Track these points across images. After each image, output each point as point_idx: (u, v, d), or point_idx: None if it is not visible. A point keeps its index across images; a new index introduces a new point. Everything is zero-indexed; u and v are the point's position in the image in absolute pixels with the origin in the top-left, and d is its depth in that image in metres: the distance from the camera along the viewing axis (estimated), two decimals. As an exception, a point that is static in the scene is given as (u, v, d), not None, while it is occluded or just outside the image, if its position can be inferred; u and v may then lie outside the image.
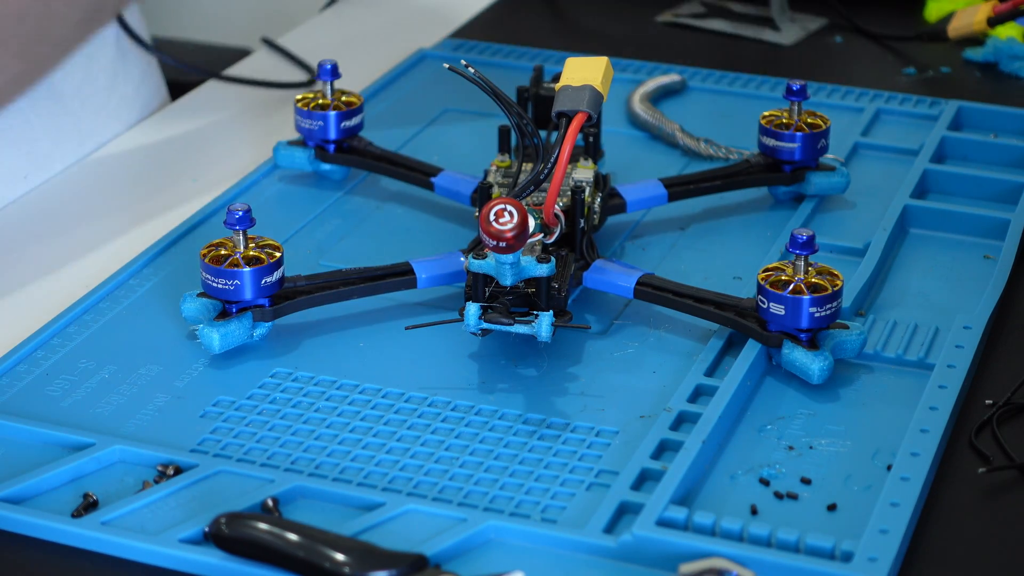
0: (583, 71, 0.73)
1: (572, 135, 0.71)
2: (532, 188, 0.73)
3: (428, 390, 0.73)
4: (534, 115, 0.89)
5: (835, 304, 0.73)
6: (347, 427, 0.70)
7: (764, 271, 0.74)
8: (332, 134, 0.90)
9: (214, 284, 0.75)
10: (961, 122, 1.00)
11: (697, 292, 0.77)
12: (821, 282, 0.73)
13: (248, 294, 0.75)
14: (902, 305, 0.80)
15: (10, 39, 0.65)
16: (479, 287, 0.73)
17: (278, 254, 0.76)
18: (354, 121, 0.91)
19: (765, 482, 0.67)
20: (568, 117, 0.72)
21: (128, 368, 0.75)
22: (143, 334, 0.77)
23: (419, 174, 0.89)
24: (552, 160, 0.71)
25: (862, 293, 0.80)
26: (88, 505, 0.65)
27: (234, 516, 0.62)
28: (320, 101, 0.90)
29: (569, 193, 0.79)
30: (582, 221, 0.79)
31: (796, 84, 0.87)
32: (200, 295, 0.76)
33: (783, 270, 0.74)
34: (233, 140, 0.99)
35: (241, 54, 1.34)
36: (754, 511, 0.65)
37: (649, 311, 0.79)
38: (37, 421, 0.70)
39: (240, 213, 0.75)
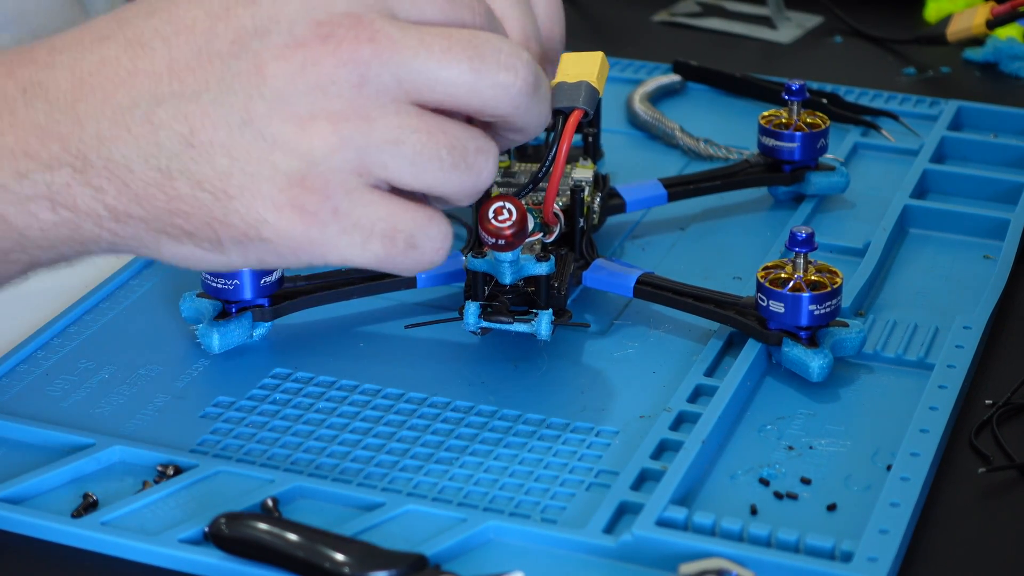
0: (578, 67, 0.73)
1: (569, 132, 0.71)
2: (531, 187, 0.73)
3: (427, 390, 0.73)
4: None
5: (834, 302, 0.73)
6: (347, 427, 0.70)
7: (763, 269, 0.74)
8: (332, 134, 0.90)
9: (214, 284, 0.75)
10: (961, 122, 1.00)
11: (697, 291, 0.77)
12: (820, 280, 0.73)
13: (248, 294, 0.75)
14: (902, 305, 0.80)
15: None
16: (478, 286, 0.73)
17: (278, 254, 0.76)
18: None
19: (765, 482, 0.67)
20: (564, 114, 0.72)
21: (128, 368, 0.75)
22: (143, 334, 0.77)
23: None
24: (550, 158, 0.71)
25: (862, 293, 0.80)
26: (88, 505, 0.65)
27: (234, 516, 0.62)
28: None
29: (568, 192, 0.79)
30: (581, 220, 0.79)
31: (795, 84, 0.87)
32: (200, 295, 0.76)
33: (783, 268, 0.74)
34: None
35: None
36: (754, 511, 0.65)
37: (649, 310, 0.79)
38: (37, 421, 0.70)
39: (240, 213, 0.75)
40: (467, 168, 0.62)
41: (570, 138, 0.71)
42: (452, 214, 0.83)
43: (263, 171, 0.60)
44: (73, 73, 0.62)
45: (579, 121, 0.71)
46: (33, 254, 0.63)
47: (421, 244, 0.62)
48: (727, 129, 0.99)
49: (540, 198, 0.79)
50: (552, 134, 0.72)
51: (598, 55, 0.74)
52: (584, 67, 0.73)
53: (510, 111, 0.63)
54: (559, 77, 0.73)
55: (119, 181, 0.61)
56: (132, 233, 0.62)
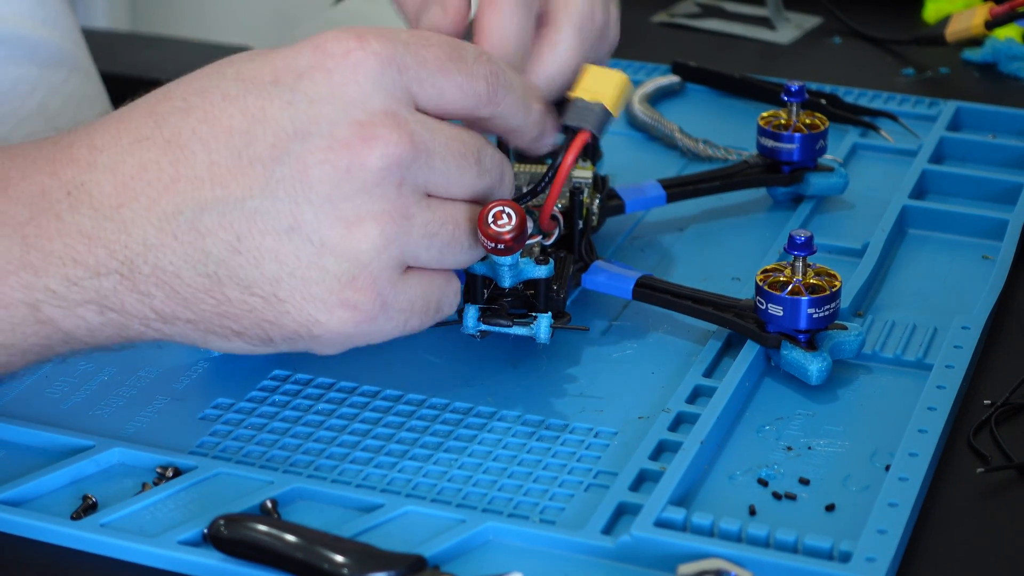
0: (599, 84, 0.72)
1: (573, 152, 0.71)
2: (529, 198, 0.73)
3: (426, 391, 0.73)
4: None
5: (833, 305, 0.73)
6: (345, 429, 0.70)
7: (762, 272, 0.74)
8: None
9: None
10: (960, 122, 1.00)
11: (696, 293, 0.77)
12: (819, 283, 0.73)
13: None
14: (900, 305, 0.80)
15: None
16: (477, 289, 0.73)
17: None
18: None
19: (763, 483, 0.67)
20: (573, 131, 0.71)
21: (128, 370, 0.75)
22: (142, 336, 0.77)
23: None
24: (552, 172, 0.71)
25: (860, 293, 0.80)
26: (87, 507, 0.65)
27: (233, 518, 0.62)
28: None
29: (568, 194, 0.79)
30: (580, 222, 0.79)
31: (794, 85, 0.87)
32: None
33: (781, 271, 0.74)
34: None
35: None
36: (752, 512, 0.65)
37: (648, 311, 0.79)
38: (37, 423, 0.70)
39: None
40: (475, 247, 0.67)
41: (574, 158, 0.71)
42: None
43: (313, 275, 0.62)
44: (115, 176, 0.62)
45: (585, 143, 0.71)
46: (76, 347, 0.65)
47: (444, 306, 0.67)
48: (726, 130, 0.99)
49: (540, 199, 0.79)
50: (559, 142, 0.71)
51: (622, 78, 0.73)
52: (605, 87, 0.72)
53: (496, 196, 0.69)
54: (578, 91, 0.73)
55: (167, 287, 0.62)
56: (179, 332, 0.64)
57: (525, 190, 0.73)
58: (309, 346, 0.65)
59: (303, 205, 0.62)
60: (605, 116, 0.72)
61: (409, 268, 0.66)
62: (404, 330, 0.66)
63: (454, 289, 0.68)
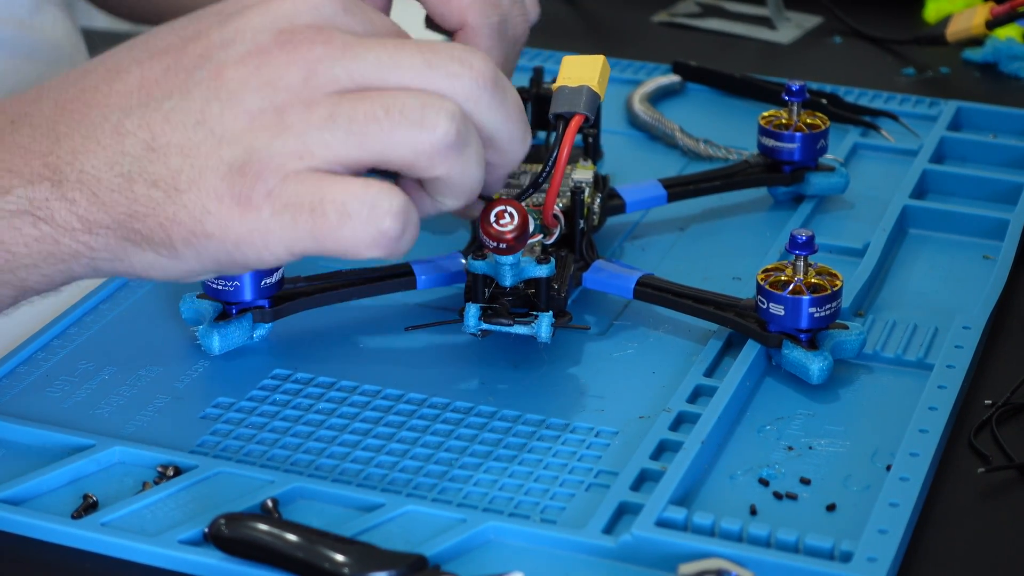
0: (580, 70, 0.73)
1: (569, 138, 0.71)
2: (531, 191, 0.73)
3: (427, 391, 0.73)
4: (534, 116, 0.90)
5: (834, 304, 0.73)
6: (346, 428, 0.70)
7: (763, 271, 0.74)
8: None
9: (214, 285, 0.75)
10: (960, 122, 1.00)
11: (697, 292, 0.77)
12: (820, 282, 0.73)
13: (248, 295, 0.75)
14: (901, 305, 0.80)
15: None
16: (479, 288, 0.73)
17: (278, 255, 0.76)
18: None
19: (764, 482, 0.67)
20: (565, 119, 0.72)
21: (128, 369, 0.75)
22: (143, 336, 0.77)
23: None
24: (550, 162, 0.71)
25: (861, 293, 0.80)
26: (88, 506, 0.65)
27: (233, 517, 0.62)
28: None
29: (568, 194, 0.79)
30: (581, 222, 0.79)
31: (795, 84, 0.87)
32: (200, 296, 0.76)
33: (783, 270, 0.74)
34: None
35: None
36: (753, 511, 0.65)
37: (648, 311, 0.79)
38: (37, 422, 0.70)
39: (240, 214, 0.75)
40: (413, 123, 0.62)
41: (571, 143, 0.71)
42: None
43: (210, 163, 0.62)
44: (56, 103, 0.65)
45: (580, 125, 0.71)
46: (21, 276, 0.65)
47: (356, 211, 0.61)
48: (727, 129, 0.99)
49: (540, 199, 0.79)
50: (553, 137, 0.72)
51: (599, 59, 0.74)
52: (585, 71, 0.73)
53: (465, 101, 0.63)
54: (560, 81, 0.73)
55: (89, 191, 0.63)
56: (103, 244, 0.64)
57: (526, 184, 0.73)
58: (213, 254, 0.62)
59: (212, 102, 0.62)
60: (593, 97, 0.72)
61: (339, 173, 0.62)
62: (297, 232, 0.61)
63: (377, 194, 0.61)
